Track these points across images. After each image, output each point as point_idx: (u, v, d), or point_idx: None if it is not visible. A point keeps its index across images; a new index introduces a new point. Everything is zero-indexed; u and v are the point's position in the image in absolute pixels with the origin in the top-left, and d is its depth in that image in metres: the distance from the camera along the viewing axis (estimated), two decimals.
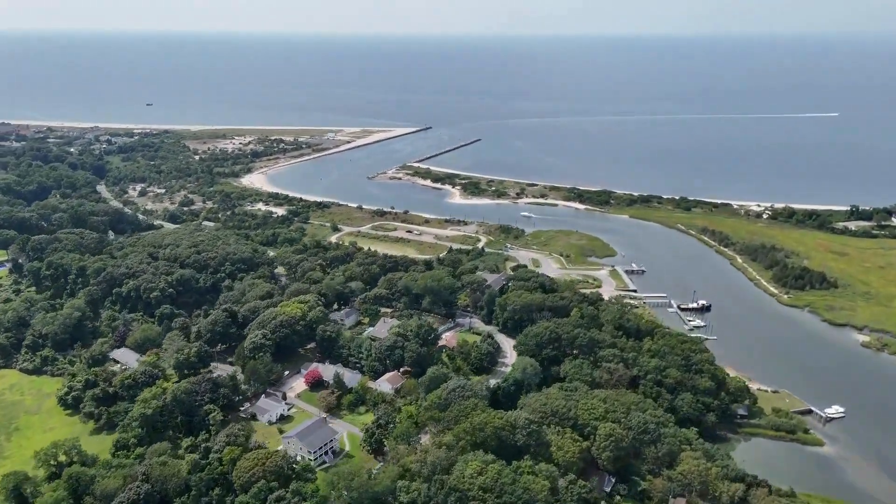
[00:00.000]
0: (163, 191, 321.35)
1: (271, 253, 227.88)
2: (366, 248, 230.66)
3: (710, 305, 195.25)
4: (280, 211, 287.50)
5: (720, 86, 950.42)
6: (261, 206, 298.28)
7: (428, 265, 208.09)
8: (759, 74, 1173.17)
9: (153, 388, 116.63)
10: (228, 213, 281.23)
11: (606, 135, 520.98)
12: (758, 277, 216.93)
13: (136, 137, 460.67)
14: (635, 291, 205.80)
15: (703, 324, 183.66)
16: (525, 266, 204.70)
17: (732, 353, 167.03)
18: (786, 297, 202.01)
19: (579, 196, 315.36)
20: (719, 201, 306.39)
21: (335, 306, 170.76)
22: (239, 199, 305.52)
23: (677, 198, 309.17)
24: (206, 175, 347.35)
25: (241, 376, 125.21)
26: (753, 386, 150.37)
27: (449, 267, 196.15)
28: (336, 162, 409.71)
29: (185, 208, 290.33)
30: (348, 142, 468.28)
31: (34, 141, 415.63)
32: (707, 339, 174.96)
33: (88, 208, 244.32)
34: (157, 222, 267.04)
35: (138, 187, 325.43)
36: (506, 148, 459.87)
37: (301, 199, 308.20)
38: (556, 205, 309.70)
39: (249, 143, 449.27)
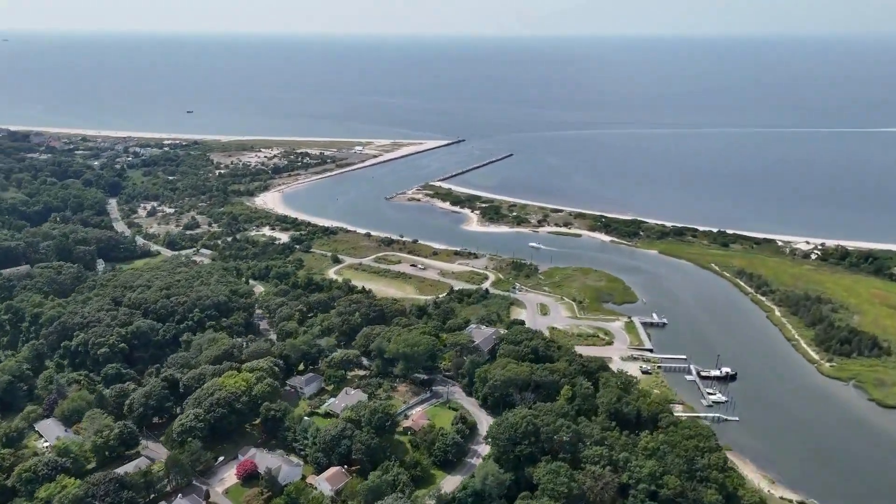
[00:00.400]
0: (172, 210, 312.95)
1: (260, 288, 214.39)
2: (360, 287, 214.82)
3: (736, 374, 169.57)
4: (284, 237, 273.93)
5: (769, 94, 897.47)
6: (266, 230, 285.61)
7: (421, 310, 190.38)
8: (811, 80, 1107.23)
9: (51, 486, 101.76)
10: (230, 238, 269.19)
11: (644, 150, 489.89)
12: (797, 337, 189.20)
13: (164, 149, 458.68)
14: (651, 351, 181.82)
15: (724, 399, 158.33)
16: (522, 322, 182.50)
17: (756, 442, 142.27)
18: (828, 365, 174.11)
19: (606, 226, 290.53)
20: (762, 236, 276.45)
21: (302, 366, 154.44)
22: (246, 223, 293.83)
23: (714, 231, 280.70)
24: (219, 194, 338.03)
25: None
26: (777, 493, 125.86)
27: (437, 320, 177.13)
28: (358, 179, 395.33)
29: (189, 232, 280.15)
30: (375, 156, 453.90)
31: (61, 153, 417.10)
32: (727, 419, 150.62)
33: (80, 235, 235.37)
34: (154, 248, 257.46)
35: (149, 206, 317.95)
36: (537, 165, 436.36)
37: (309, 223, 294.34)
38: (579, 235, 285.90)
39: (274, 156, 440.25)
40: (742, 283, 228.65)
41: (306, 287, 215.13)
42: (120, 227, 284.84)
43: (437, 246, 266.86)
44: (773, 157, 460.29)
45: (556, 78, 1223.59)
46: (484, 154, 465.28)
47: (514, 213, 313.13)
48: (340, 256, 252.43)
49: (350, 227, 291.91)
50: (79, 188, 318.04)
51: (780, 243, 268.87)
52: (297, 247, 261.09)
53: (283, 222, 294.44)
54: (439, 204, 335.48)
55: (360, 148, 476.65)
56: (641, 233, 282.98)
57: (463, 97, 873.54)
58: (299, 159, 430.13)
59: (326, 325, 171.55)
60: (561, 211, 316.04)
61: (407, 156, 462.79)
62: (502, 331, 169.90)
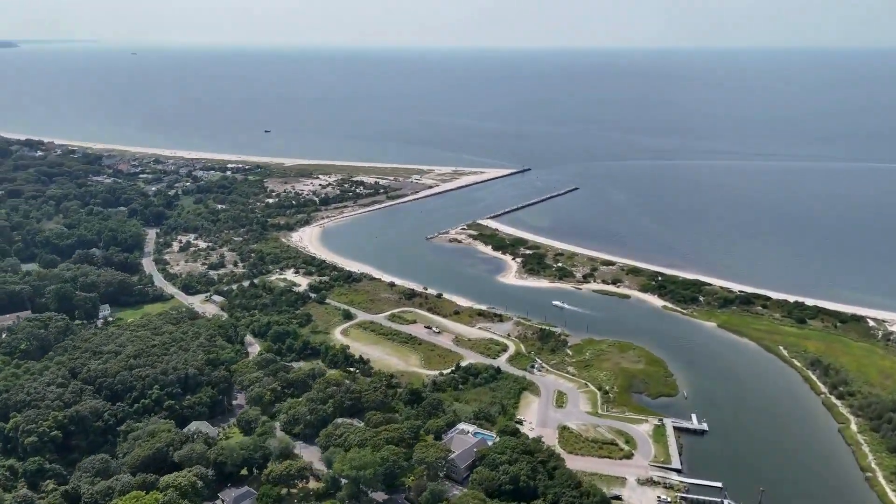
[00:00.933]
0: (206, 245, 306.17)
1: (258, 348, 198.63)
2: (358, 356, 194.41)
3: None
4: (304, 284, 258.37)
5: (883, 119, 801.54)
6: (290, 274, 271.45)
7: (414, 395, 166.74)
8: None
9: None
10: (248, 283, 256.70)
11: (730, 187, 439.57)
12: (874, 467, 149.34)
13: (227, 173, 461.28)
14: (678, 472, 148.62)
15: None
16: (516, 431, 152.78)
17: None
18: None
19: (661, 287, 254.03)
20: (850, 310, 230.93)
21: (247, 470, 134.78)
22: (272, 263, 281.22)
23: (791, 300, 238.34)
24: (258, 227, 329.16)
25: None
26: None
27: (422, 416, 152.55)
28: (406, 213, 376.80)
29: (213, 272, 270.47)
30: (430, 186, 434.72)
31: (126, 177, 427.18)
32: None
33: (90, 278, 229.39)
34: (169, 291, 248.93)
35: (185, 239, 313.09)
36: (601, 202, 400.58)
37: (335, 266, 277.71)
38: (628, 296, 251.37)
39: (329, 184, 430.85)
40: (814, 378, 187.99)
41: (301, 352, 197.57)
42: (147, 264, 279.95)
43: (461, 302, 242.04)
44: (887, 201, 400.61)
45: (648, 95, 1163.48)
46: (546, 187, 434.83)
47: (559, 264, 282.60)
48: (354, 311, 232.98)
49: (377, 274, 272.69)
50: (119, 219, 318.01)
51: (871, 322, 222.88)
52: (313, 296, 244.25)
53: (309, 265, 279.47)
54: (481, 248, 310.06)
55: (417, 177, 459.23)
56: (701, 298, 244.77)
57: (540, 118, 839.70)
58: (352, 188, 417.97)
59: (293, 413, 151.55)
60: (613, 264, 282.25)
61: (464, 187, 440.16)
62: (491, 440, 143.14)
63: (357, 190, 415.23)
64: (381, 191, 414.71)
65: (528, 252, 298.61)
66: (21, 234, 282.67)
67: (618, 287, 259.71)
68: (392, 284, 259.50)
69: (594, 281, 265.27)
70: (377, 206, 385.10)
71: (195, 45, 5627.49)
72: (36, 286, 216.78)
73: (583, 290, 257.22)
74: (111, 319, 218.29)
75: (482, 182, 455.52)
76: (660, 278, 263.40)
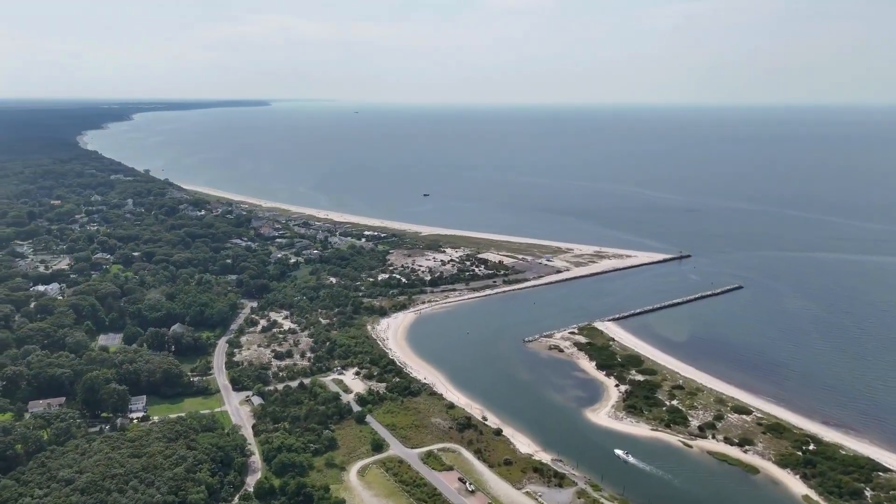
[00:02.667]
0: (290, 327, 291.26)
1: (262, 472, 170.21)
2: None
3: None
4: (357, 390, 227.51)
5: None
6: (349, 375, 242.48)
7: None
8: None
9: None
10: (296, 383, 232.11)
11: None
12: None
13: (362, 240, 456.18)
14: None
15: None
16: None
17: None
18: None
19: (808, 463, 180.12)
20: None
21: None
22: (339, 358, 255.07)
23: None
24: (349, 310, 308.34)
25: None
26: None
27: None
28: (516, 303, 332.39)
29: (277, 362, 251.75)
30: (559, 270, 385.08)
31: (264, 241, 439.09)
32: None
33: (136, 365, 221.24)
34: (218, 384, 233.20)
35: (275, 318, 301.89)
36: (768, 310, 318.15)
37: (400, 371, 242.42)
38: (756, 470, 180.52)
39: (450, 261, 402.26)
40: None
41: (293, 496, 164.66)
42: (221, 346, 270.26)
43: (521, 445, 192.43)
44: None
45: (857, 163, 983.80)
46: (701, 282, 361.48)
47: (674, 401, 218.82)
48: (389, 440, 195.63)
49: (442, 386, 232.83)
50: (221, 290, 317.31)
51: None
52: (356, 410, 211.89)
53: (375, 365, 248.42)
54: (583, 363, 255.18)
55: (548, 257, 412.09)
56: (869, 492, 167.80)
57: (721, 189, 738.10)
58: (470, 268, 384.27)
59: None
60: (748, 411, 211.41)
61: (600, 274, 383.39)
62: None
63: (475, 270, 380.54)
64: (501, 273, 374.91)
65: (638, 378, 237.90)
66: (124, 303, 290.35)
67: (745, 451, 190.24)
68: (451, 406, 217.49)
69: (713, 437, 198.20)
70: (488, 292, 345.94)
71: (418, 103, 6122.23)
72: (78, 371, 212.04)
73: (693, 449, 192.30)
74: (144, 414, 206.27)
75: (625, 269, 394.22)
76: (811, 447, 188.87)
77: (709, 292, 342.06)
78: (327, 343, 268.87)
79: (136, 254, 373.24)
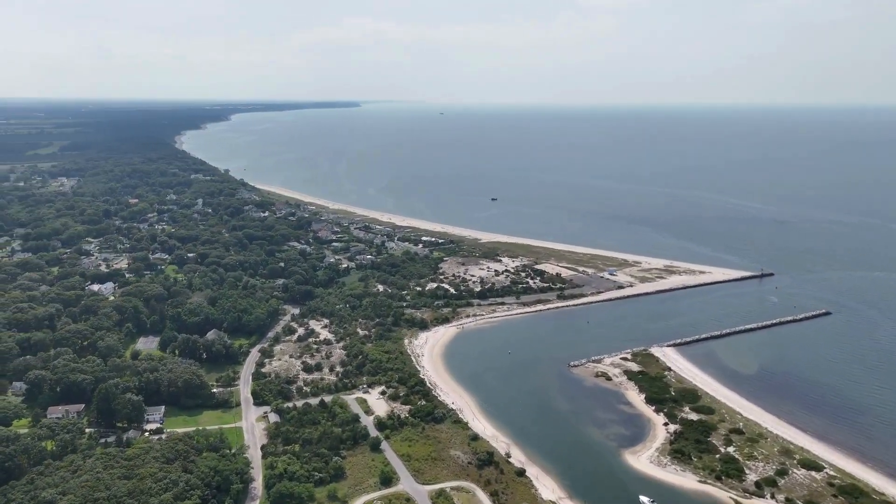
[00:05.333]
0: (326, 337, 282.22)
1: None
2: None
3: None
4: (378, 412, 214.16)
5: None
6: (374, 394, 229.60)
7: None
8: None
9: None
10: (318, 401, 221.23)
11: None
12: None
13: (419, 245, 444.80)
14: None
15: None
16: None
17: None
18: None
19: None
20: None
21: None
22: (368, 374, 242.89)
23: None
24: (389, 322, 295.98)
25: None
26: None
27: None
28: (569, 321, 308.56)
29: (305, 375, 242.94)
30: (621, 286, 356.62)
31: (320, 244, 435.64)
32: None
33: (157, 374, 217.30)
34: (241, 397, 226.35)
35: (313, 326, 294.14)
36: (857, 342, 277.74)
37: (427, 394, 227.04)
38: None
39: (504, 272, 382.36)
40: None
41: None
42: (253, 355, 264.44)
43: (545, 490, 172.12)
44: None
45: None
46: (783, 305, 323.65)
47: (731, 448, 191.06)
48: (401, 473, 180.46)
49: (469, 413, 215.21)
50: (263, 296, 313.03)
51: None
52: (372, 436, 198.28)
53: (403, 385, 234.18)
54: (631, 394, 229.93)
55: (611, 271, 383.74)
56: None
57: (823, 201, 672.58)
58: (524, 280, 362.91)
59: None
60: (819, 467, 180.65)
61: (667, 291, 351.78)
62: None
63: (530, 282, 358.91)
64: (557, 286, 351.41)
65: (691, 417, 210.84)
66: (167, 306, 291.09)
67: None
68: (474, 438, 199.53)
69: (772, 496, 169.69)
70: (539, 307, 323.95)
71: (505, 104, 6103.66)
72: (100, 378, 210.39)
73: None
74: (159, 426, 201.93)
75: (696, 286, 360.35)
76: None
77: (789, 318, 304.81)
78: (359, 357, 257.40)
79: (190, 255, 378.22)
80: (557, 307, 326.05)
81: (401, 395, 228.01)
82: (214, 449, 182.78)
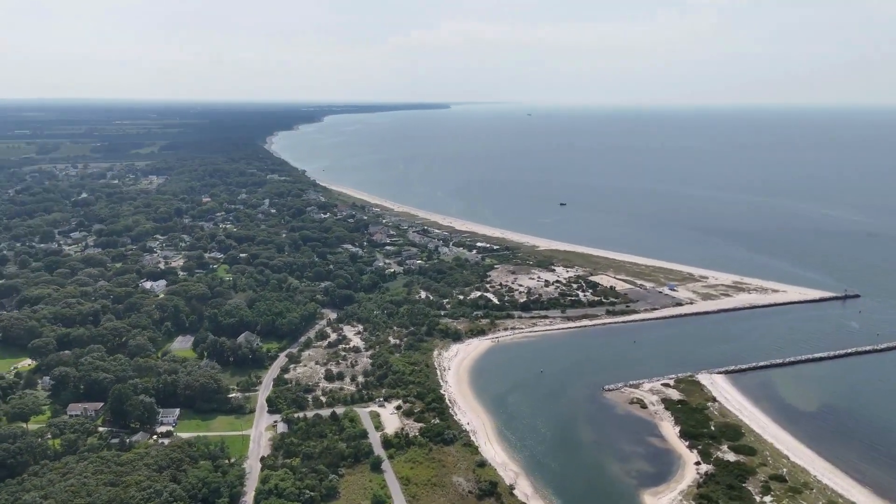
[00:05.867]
0: (357, 344, 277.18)
1: None
2: None
3: None
4: (387, 429, 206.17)
5: None
6: (388, 409, 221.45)
7: None
8: None
9: None
10: (329, 412, 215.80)
11: None
12: None
13: (473, 251, 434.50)
14: None
15: None
16: None
17: None
18: None
19: None
20: None
21: None
22: (388, 387, 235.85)
23: None
24: (422, 331, 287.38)
25: None
26: None
27: None
28: (616, 338, 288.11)
29: (326, 384, 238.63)
30: (679, 303, 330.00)
31: (373, 248, 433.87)
32: None
33: (177, 376, 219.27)
34: (258, 403, 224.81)
35: (346, 333, 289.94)
36: None
37: (443, 412, 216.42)
38: None
39: (554, 282, 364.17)
40: None
41: None
42: (280, 360, 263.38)
43: None
44: None
45: None
46: (865, 332, 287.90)
47: (768, 497, 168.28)
48: (392, 499, 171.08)
49: (484, 436, 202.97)
50: (302, 300, 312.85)
51: None
52: (376, 455, 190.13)
53: (420, 400, 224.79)
54: (665, 426, 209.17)
55: (672, 286, 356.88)
56: None
57: None
58: (575, 292, 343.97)
59: None
60: None
61: (731, 311, 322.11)
62: None
63: (580, 294, 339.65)
64: (608, 300, 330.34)
65: (728, 457, 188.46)
66: (207, 306, 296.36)
67: None
68: (482, 464, 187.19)
69: None
70: (585, 323, 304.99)
71: (598, 105, 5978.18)
72: (121, 377, 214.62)
73: None
74: (170, 428, 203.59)
75: (764, 307, 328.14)
76: None
77: (869, 347, 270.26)
78: (383, 367, 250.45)
79: (243, 255, 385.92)
80: (605, 324, 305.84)
81: (416, 411, 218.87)
82: (212, 458, 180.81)
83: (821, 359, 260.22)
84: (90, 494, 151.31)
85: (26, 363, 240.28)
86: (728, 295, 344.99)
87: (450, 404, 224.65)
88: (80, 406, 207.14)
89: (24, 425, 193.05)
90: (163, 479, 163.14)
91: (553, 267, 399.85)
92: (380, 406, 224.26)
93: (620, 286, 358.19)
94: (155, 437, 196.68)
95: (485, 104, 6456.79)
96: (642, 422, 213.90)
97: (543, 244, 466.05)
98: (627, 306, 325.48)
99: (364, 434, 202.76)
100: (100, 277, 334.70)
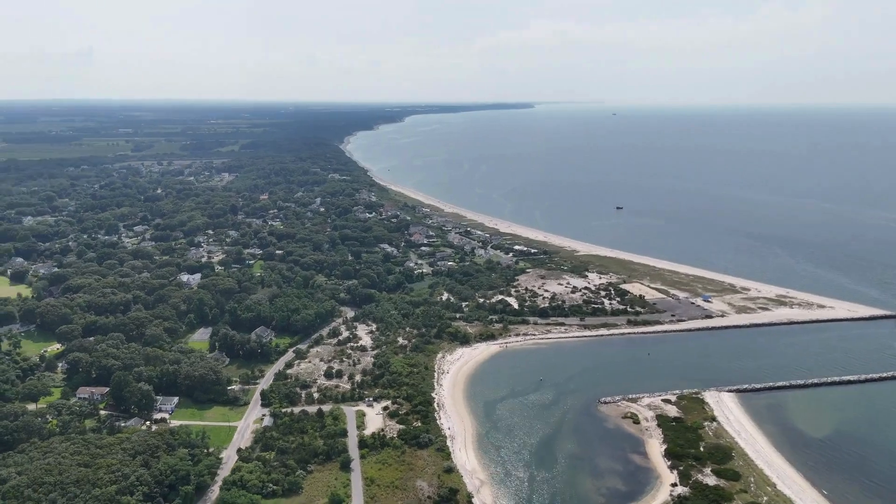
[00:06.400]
0: (364, 343, 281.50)
1: None
2: None
3: None
4: (367, 429, 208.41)
5: None
6: (376, 409, 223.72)
7: None
8: None
9: None
10: (316, 409, 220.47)
11: None
12: None
13: (510, 254, 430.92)
14: None
15: None
16: None
17: None
18: None
19: None
20: None
21: None
22: (382, 387, 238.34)
23: None
24: (431, 333, 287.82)
25: None
26: None
27: None
28: (629, 349, 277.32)
29: (324, 382, 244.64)
30: (710, 315, 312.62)
31: (409, 248, 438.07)
32: None
33: (179, 366, 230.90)
34: (253, 397, 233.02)
35: (361, 331, 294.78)
36: None
37: (426, 415, 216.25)
38: None
39: (582, 289, 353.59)
40: None
41: None
42: (287, 356, 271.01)
43: None
44: None
45: None
46: None
47: None
48: (350, 497, 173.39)
49: (459, 443, 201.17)
50: (323, 297, 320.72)
51: None
52: (346, 454, 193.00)
53: (408, 402, 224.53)
54: (650, 444, 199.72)
55: (706, 297, 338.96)
56: None
57: None
58: (600, 300, 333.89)
59: None
60: None
61: (764, 326, 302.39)
62: None
63: (605, 302, 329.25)
64: (633, 309, 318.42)
65: (708, 480, 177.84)
66: (231, 301, 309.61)
67: None
68: (449, 470, 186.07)
69: None
70: (602, 332, 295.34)
71: (687, 105, 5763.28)
72: (128, 365, 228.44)
73: None
74: (166, 416, 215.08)
75: (805, 323, 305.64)
76: None
77: None
78: (381, 370, 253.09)
79: (278, 252, 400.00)
80: (623, 333, 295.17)
81: (401, 412, 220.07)
82: (191, 446, 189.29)
83: (848, 382, 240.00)
84: (61, 473, 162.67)
85: (55, 347, 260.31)
86: (767, 309, 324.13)
87: (437, 408, 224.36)
88: (88, 390, 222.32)
89: (34, 405, 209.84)
90: (134, 463, 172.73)
91: (586, 273, 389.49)
92: (368, 406, 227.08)
93: (651, 295, 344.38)
94: (148, 423, 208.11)
95: (569, 104, 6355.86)
96: (630, 438, 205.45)
97: (584, 249, 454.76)
98: (652, 317, 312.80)
99: (344, 433, 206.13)
100: (143, 269, 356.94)
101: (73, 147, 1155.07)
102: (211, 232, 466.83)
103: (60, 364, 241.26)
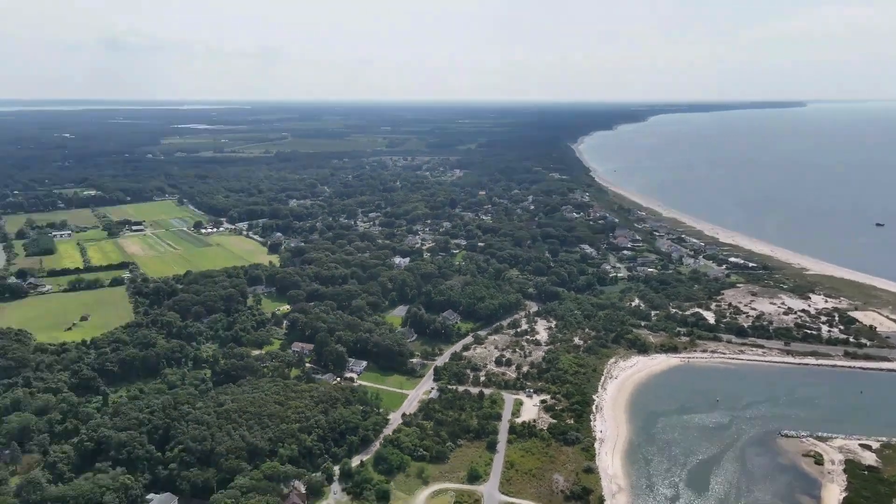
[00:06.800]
0: (539, 337, 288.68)
1: None
2: None
3: None
4: (507, 421, 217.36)
5: None
6: (526, 398, 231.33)
7: None
8: None
9: None
10: (468, 390, 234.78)
11: None
12: None
13: (721, 266, 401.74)
14: None
15: None
16: None
17: None
18: None
19: None
20: None
21: None
22: (515, 389, 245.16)
23: None
24: (608, 336, 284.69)
25: None
26: None
27: None
28: (838, 384, 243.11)
29: (470, 371, 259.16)
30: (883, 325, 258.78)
31: (609, 251, 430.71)
32: None
33: (369, 335, 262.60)
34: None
35: (540, 326, 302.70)
36: None
37: (580, 417, 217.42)
38: None
39: (800, 311, 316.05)
40: None
41: (355, 488, 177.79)
42: (466, 340, 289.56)
43: None
44: None
45: None
46: None
47: None
48: (488, 475, 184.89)
49: (608, 447, 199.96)
50: (506, 290, 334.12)
51: None
52: (493, 436, 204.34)
53: (566, 399, 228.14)
54: (828, 489, 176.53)
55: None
56: None
57: None
58: (817, 325, 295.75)
59: None
60: None
61: None
62: None
63: (822, 329, 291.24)
64: (856, 340, 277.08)
65: None
66: (427, 285, 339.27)
67: None
68: (589, 470, 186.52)
69: None
70: (809, 361, 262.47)
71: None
72: (332, 329, 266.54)
73: None
74: (354, 375, 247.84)
75: None
76: None
77: None
78: (551, 363, 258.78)
79: (480, 244, 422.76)
80: (834, 366, 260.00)
81: (556, 408, 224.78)
82: (365, 404, 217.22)
83: None
84: (261, 407, 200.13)
85: (286, 307, 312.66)
86: None
87: (594, 410, 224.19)
88: (300, 345, 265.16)
89: (259, 351, 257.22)
90: (316, 410, 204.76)
91: (810, 294, 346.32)
92: (527, 396, 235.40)
93: (886, 327, 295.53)
94: (339, 379, 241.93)
95: (854, 103, 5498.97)
96: (804, 477, 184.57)
97: (816, 268, 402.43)
98: (880, 352, 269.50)
99: (498, 416, 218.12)
100: (366, 249, 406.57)
101: (341, 142, 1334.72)
102: (429, 222, 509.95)
103: (285, 321, 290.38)
